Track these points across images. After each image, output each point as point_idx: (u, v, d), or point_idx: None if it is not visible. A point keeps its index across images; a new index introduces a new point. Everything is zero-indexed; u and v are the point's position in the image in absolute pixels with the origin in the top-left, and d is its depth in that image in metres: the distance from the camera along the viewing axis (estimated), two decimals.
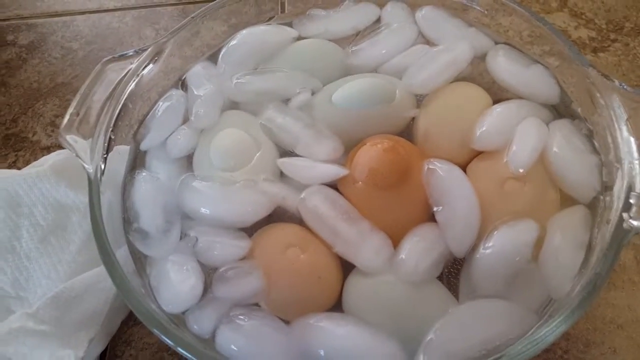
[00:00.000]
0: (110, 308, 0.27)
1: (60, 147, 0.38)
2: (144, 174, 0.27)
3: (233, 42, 0.31)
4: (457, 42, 0.30)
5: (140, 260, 0.24)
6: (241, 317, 0.22)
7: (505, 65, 0.29)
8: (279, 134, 0.28)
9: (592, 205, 0.24)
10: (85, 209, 0.30)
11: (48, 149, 0.38)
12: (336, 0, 0.34)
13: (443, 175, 0.24)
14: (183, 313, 0.23)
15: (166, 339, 0.20)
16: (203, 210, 0.25)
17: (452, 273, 0.24)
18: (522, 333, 0.20)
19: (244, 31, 0.32)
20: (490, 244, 0.23)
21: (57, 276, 0.27)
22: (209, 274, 0.23)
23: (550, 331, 0.19)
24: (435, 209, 0.24)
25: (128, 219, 0.25)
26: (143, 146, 0.28)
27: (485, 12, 0.32)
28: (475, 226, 0.23)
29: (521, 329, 0.21)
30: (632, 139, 0.23)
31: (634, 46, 0.41)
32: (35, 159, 0.35)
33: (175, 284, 0.23)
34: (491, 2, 0.32)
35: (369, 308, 0.23)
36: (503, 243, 0.23)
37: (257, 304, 0.23)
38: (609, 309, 0.28)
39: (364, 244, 0.23)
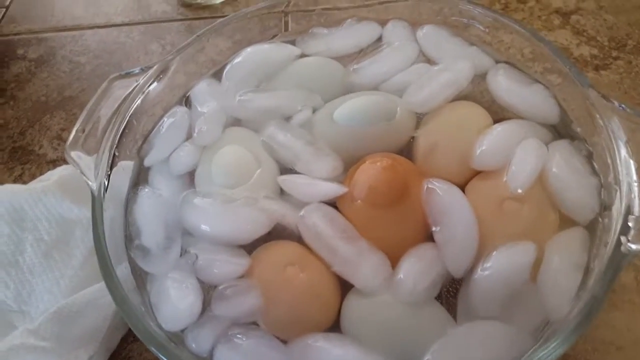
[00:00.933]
0: (110, 324, 0.27)
1: (65, 161, 0.39)
2: (146, 190, 0.27)
3: (237, 60, 0.32)
4: (457, 61, 0.30)
5: (140, 277, 0.25)
6: (239, 336, 0.22)
7: (505, 85, 0.30)
8: (279, 151, 0.28)
9: (591, 227, 0.24)
10: (89, 224, 0.30)
11: (54, 163, 0.38)
12: (339, 18, 0.35)
13: (442, 195, 0.25)
14: (182, 331, 0.23)
15: (164, 358, 0.20)
16: (203, 227, 0.25)
17: (451, 293, 0.24)
18: (519, 355, 0.20)
19: (248, 49, 0.33)
20: (488, 265, 0.23)
21: (59, 291, 0.28)
22: (208, 291, 0.24)
23: (547, 354, 0.19)
24: (433, 228, 0.24)
25: (130, 236, 0.26)
26: (147, 162, 0.29)
27: (487, 30, 0.32)
28: (473, 246, 0.23)
29: (518, 351, 0.20)
30: (631, 161, 0.23)
31: (636, 64, 0.41)
32: (41, 172, 0.36)
33: (175, 302, 0.23)
34: (492, 22, 0.32)
35: (367, 328, 0.23)
36: (501, 264, 0.23)
37: (255, 323, 0.23)
38: (608, 330, 0.28)
39: (362, 263, 0.23)
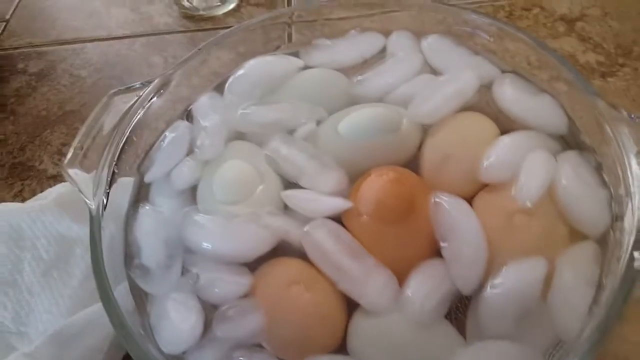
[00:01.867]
0: (110, 345, 0.26)
1: None
2: (147, 207, 0.27)
3: (239, 73, 0.32)
4: (462, 72, 0.30)
5: (140, 297, 0.24)
6: (242, 358, 0.21)
7: (511, 95, 0.29)
8: (283, 166, 0.27)
9: (602, 241, 0.24)
10: (88, 243, 0.30)
11: (54, 178, 0.38)
12: (342, 29, 0.35)
13: (449, 209, 0.24)
14: (183, 354, 0.22)
15: None
16: (205, 245, 0.25)
17: (460, 309, 0.23)
18: None
19: (251, 61, 0.32)
20: (498, 282, 0.22)
21: (58, 311, 0.27)
22: (210, 311, 0.23)
23: None
24: (441, 244, 0.23)
25: (130, 254, 0.25)
26: (147, 178, 0.28)
27: (492, 39, 0.32)
28: (482, 262, 0.23)
29: None
30: None
31: None
32: (42, 188, 0.36)
33: (175, 323, 0.22)
34: (496, 31, 0.32)
35: (374, 348, 0.22)
36: (511, 281, 0.22)
37: (260, 345, 0.23)
38: (621, 345, 0.27)
39: (369, 281, 0.23)
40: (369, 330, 0.22)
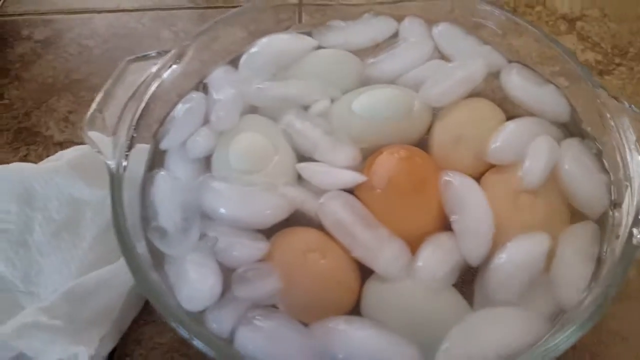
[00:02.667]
0: (122, 306, 0.27)
1: (73, 142, 0.38)
2: (162, 173, 0.27)
3: (255, 49, 0.32)
4: (472, 59, 0.31)
5: (158, 258, 0.24)
6: (259, 317, 0.22)
7: (518, 83, 0.30)
8: (297, 139, 0.28)
9: (601, 221, 0.25)
10: (99, 206, 0.30)
11: (61, 145, 0.38)
12: (355, 12, 0.35)
13: (458, 186, 0.25)
14: (201, 312, 0.23)
15: (183, 332, 0.21)
16: (222, 210, 0.25)
17: (465, 281, 0.24)
18: (535, 340, 0.21)
19: (265, 39, 0.33)
20: (505, 254, 0.23)
21: (68, 272, 0.27)
22: (228, 274, 0.24)
23: (563, 340, 0.20)
24: (452, 217, 0.25)
25: (146, 217, 0.25)
26: (163, 145, 0.29)
27: (499, 31, 0.33)
28: (488, 235, 0.24)
29: (534, 336, 0.21)
30: None
31: (638, 70, 0.42)
32: (48, 153, 0.35)
33: (195, 283, 0.23)
34: (505, 22, 0.33)
35: (387, 313, 0.23)
36: (517, 253, 0.23)
37: (274, 306, 0.23)
38: (614, 321, 0.29)
39: (383, 250, 0.24)
40: (382, 295, 0.23)
